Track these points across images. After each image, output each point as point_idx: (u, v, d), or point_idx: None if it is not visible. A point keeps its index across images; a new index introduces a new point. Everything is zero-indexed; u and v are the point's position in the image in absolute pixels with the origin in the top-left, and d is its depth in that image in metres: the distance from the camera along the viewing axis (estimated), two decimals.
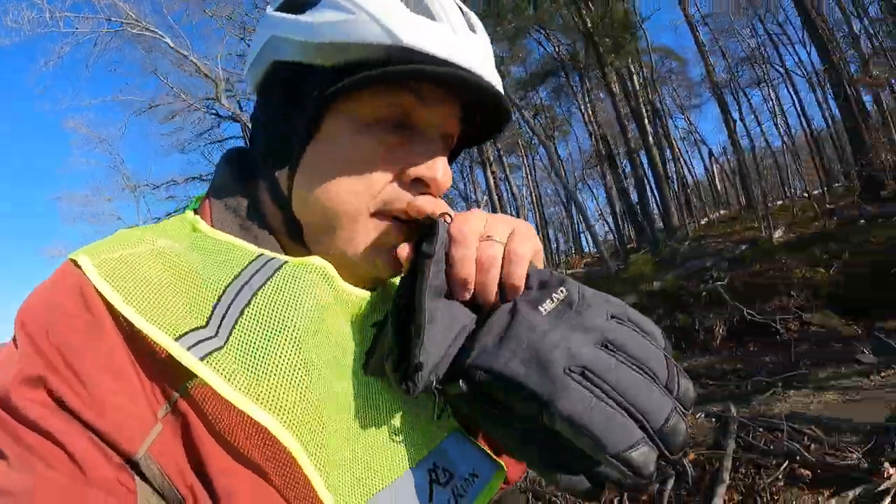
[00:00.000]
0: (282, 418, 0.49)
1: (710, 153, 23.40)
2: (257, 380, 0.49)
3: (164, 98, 20.19)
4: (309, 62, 0.59)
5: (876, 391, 5.66)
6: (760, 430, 4.90)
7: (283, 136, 0.62)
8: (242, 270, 0.55)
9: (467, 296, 0.57)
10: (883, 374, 6.07)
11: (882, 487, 3.66)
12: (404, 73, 0.55)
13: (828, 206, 13.90)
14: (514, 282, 0.56)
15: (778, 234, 12.25)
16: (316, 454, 0.50)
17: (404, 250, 0.58)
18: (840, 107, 14.93)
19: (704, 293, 9.93)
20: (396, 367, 0.54)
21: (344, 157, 0.59)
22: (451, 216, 0.58)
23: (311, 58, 0.59)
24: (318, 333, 0.55)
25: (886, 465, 3.95)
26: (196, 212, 0.66)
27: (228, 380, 0.48)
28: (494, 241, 0.57)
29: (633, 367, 0.49)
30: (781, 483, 4.16)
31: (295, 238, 0.63)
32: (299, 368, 0.51)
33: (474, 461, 0.66)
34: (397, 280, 0.71)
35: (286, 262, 0.58)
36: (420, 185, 0.62)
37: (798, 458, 4.31)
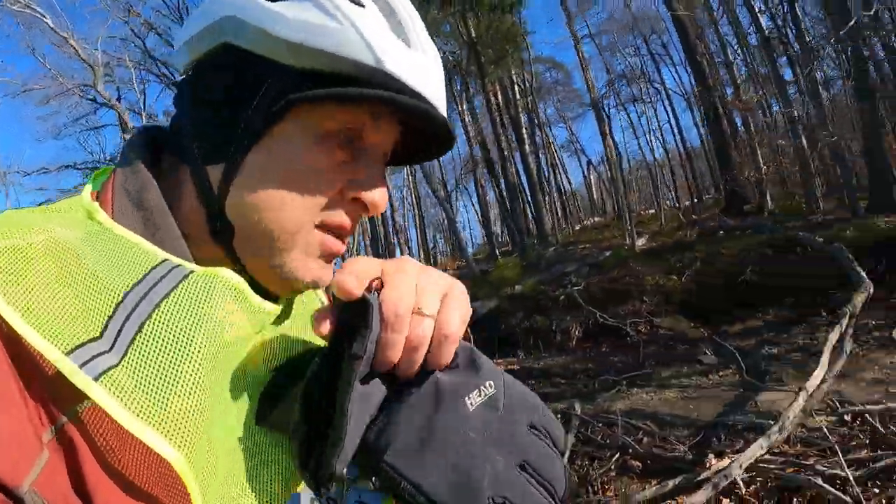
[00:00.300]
0: (180, 447, 0.46)
1: (589, 162, 24.78)
2: (155, 404, 0.46)
3: (41, 81, 19.41)
4: (273, 58, 0.57)
5: (713, 389, 6.30)
6: (599, 425, 5.33)
7: (225, 128, 0.60)
8: (145, 276, 0.52)
9: (384, 370, 0.54)
10: (721, 373, 6.76)
11: (702, 476, 4.02)
12: (387, 100, 0.56)
13: (693, 217, 15.13)
14: (441, 361, 0.54)
15: (641, 242, 13.22)
16: (202, 485, 0.48)
17: (325, 326, 0.53)
18: (710, 126, 16.25)
19: (562, 297, 10.52)
20: (305, 464, 0.51)
21: (302, 164, 0.59)
22: (380, 281, 0.53)
23: (278, 54, 0.57)
24: (221, 355, 0.52)
25: (711, 456, 4.36)
26: (97, 195, 0.61)
27: (125, 403, 0.44)
28: (425, 317, 0.53)
29: (542, 491, 0.53)
30: (613, 473, 4.57)
31: (217, 239, 0.61)
32: (199, 393, 0.48)
33: (361, 490, 0.65)
34: (312, 297, 0.76)
35: (192, 271, 0.55)
36: (358, 205, 0.62)
37: (630, 450, 4.75)
